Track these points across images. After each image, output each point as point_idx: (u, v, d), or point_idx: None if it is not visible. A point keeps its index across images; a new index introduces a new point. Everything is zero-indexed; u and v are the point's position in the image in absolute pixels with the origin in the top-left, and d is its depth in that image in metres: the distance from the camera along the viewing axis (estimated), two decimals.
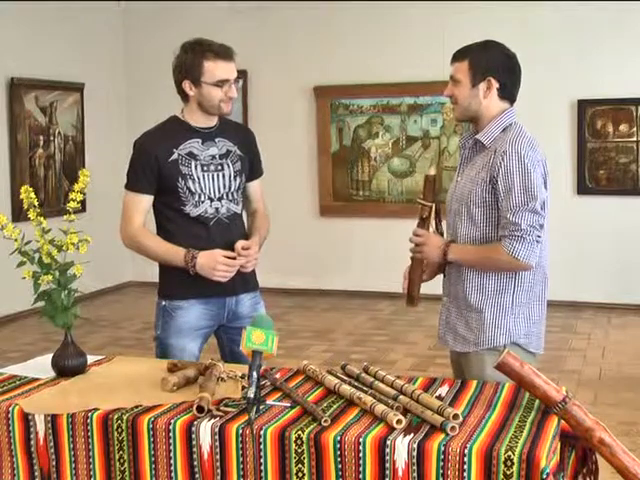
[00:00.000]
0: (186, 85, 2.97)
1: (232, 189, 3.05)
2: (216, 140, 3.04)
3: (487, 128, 2.70)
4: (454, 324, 2.77)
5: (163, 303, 3.05)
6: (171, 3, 8.12)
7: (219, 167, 3.02)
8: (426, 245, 2.75)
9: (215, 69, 2.93)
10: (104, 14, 8.23)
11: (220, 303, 3.04)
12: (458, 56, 2.72)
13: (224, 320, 3.07)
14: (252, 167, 3.16)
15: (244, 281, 3.08)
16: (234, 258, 2.96)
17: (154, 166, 2.96)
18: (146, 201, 3.01)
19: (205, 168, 3.00)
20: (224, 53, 2.95)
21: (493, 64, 2.68)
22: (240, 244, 2.98)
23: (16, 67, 7.15)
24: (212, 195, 3.00)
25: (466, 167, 2.77)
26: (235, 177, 3.06)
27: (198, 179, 2.98)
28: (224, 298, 3.04)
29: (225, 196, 3.03)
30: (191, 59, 2.94)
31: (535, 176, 2.58)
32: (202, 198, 2.99)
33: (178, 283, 3.01)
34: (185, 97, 3.01)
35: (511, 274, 2.65)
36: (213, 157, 3.02)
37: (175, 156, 2.97)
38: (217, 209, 3.01)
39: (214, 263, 2.92)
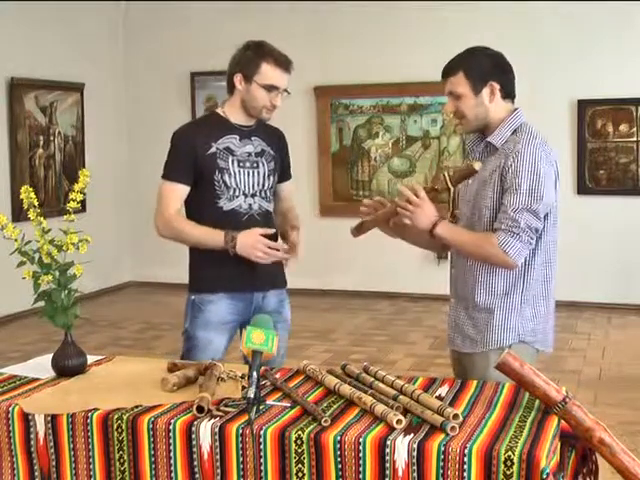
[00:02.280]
0: (237, 78, 3.00)
1: (265, 187, 3.09)
2: (252, 138, 3.09)
3: (498, 130, 2.69)
4: (462, 326, 2.76)
5: (192, 297, 3.09)
6: (171, 3, 8.12)
7: (255, 164, 3.07)
8: (420, 208, 2.63)
9: (271, 73, 2.97)
10: (104, 14, 8.23)
11: (247, 298, 3.07)
12: (449, 71, 2.70)
13: (250, 315, 3.07)
14: (283, 169, 3.21)
15: (272, 277, 3.13)
16: (273, 246, 2.97)
17: (192, 157, 2.99)
18: (183, 190, 3.03)
19: (241, 164, 3.04)
20: (284, 63, 3.00)
21: (488, 68, 2.68)
22: (293, 235, 3.02)
23: (16, 67, 7.15)
24: (247, 191, 3.04)
25: None
26: (269, 176, 3.10)
27: (234, 174, 3.02)
28: (252, 293, 3.08)
29: (258, 193, 3.07)
30: (251, 56, 2.99)
31: (545, 179, 2.58)
32: (237, 193, 3.03)
33: (207, 277, 3.06)
34: (231, 90, 3.05)
35: (520, 274, 2.65)
36: (249, 154, 3.06)
37: (213, 149, 3.01)
38: (250, 205, 3.05)
39: (255, 242, 2.92)
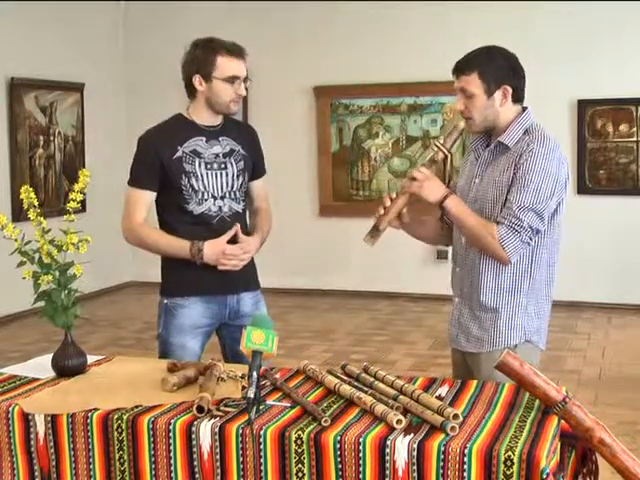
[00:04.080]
0: (196, 80, 2.96)
1: (235, 188, 3.05)
2: (220, 139, 3.05)
3: (509, 130, 2.68)
4: (467, 325, 2.76)
5: (165, 301, 3.06)
6: (171, 3, 8.12)
7: (222, 165, 3.03)
8: (428, 181, 2.64)
9: (227, 65, 2.93)
10: (104, 14, 8.23)
11: (221, 301, 3.05)
12: (464, 68, 2.66)
13: (226, 318, 3.07)
14: (255, 166, 3.16)
15: (245, 280, 3.09)
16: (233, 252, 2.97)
17: (157, 162, 2.97)
18: (148, 197, 3.01)
19: (209, 166, 3.00)
20: (236, 51, 2.96)
21: (504, 72, 2.65)
22: (237, 229, 2.99)
23: (16, 67, 7.15)
24: (215, 193, 3.01)
25: (486, 169, 2.74)
26: (238, 176, 3.06)
27: (201, 177, 2.99)
28: (225, 296, 3.05)
29: (228, 195, 3.03)
30: (203, 54, 2.94)
31: (555, 180, 2.59)
32: (205, 196, 2.99)
33: (179, 281, 3.04)
34: (193, 93, 3.01)
35: (527, 273, 2.66)
36: (217, 155, 3.02)
37: (179, 153, 2.97)
38: (220, 207, 3.02)
39: (220, 254, 2.93)
